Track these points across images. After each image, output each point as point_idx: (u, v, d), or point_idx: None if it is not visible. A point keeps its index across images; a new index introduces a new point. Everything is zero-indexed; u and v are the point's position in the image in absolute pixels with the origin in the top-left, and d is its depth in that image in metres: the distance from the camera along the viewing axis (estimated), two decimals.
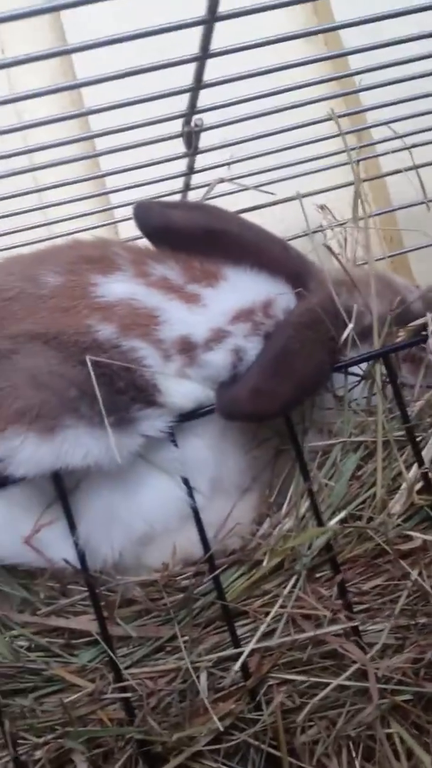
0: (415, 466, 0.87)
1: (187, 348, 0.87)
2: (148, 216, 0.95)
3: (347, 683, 0.83)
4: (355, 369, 0.92)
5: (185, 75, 0.87)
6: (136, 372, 0.84)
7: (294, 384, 0.86)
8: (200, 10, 0.74)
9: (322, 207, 1.34)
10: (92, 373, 0.80)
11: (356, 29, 0.99)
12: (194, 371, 0.87)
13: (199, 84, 0.82)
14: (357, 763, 0.85)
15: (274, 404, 0.85)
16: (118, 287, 0.89)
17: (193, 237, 0.93)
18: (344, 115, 1.12)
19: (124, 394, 0.83)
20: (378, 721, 0.84)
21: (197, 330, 0.88)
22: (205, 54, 0.76)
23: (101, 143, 1.14)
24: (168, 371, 0.86)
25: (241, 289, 0.91)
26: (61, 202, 1.21)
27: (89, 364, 0.80)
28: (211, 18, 0.70)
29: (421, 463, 0.87)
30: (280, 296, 0.91)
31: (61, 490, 0.84)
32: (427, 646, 0.85)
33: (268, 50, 0.88)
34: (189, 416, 0.86)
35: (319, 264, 1.01)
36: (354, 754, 0.85)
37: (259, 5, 0.75)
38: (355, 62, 1.30)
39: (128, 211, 1.25)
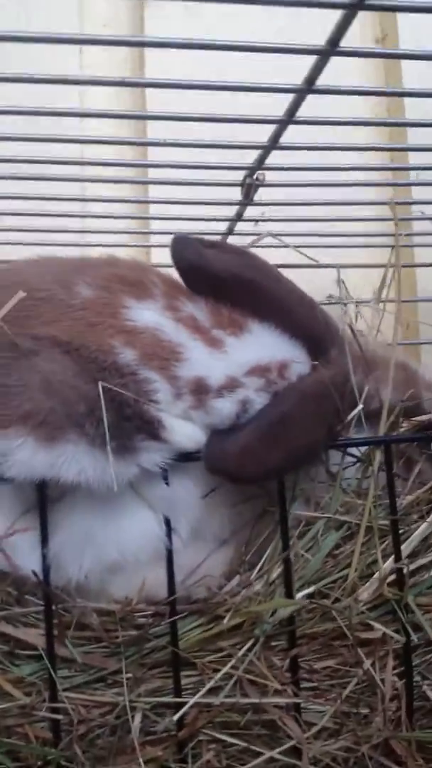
0: (392, 558, 0.88)
1: (200, 390, 0.87)
2: (185, 251, 0.95)
3: (278, 757, 0.83)
4: (353, 449, 0.93)
5: (244, 127, 0.89)
6: (144, 404, 0.84)
7: (284, 454, 0.86)
8: (295, 75, 0.76)
9: (341, 281, 1.37)
10: (102, 397, 0.81)
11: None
12: (198, 415, 0.88)
13: (274, 144, 0.84)
14: None
15: (260, 469, 0.85)
16: (147, 315, 0.90)
17: (223, 281, 0.93)
18: (399, 204, 1.14)
19: (130, 421, 0.83)
20: None
21: (214, 374, 0.88)
22: (289, 119, 0.78)
23: (156, 171, 1.17)
24: (175, 410, 0.86)
25: (263, 345, 0.92)
26: (103, 216, 1.23)
27: (100, 388, 0.81)
28: (307, 89, 0.72)
29: (398, 557, 0.88)
30: (298, 362, 0.92)
31: (42, 499, 0.84)
32: (363, 737, 0.85)
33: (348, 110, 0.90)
34: (188, 458, 0.86)
35: (344, 333, 1.02)
36: None
37: (351, 87, 0.77)
38: (414, 156, 1.35)
39: (165, 238, 1.29)
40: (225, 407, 0.88)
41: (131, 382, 0.84)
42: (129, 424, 0.83)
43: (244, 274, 0.94)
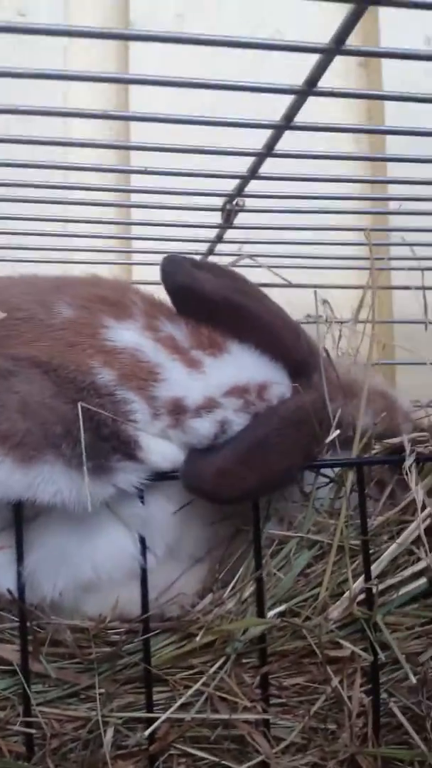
0: (362, 578, 0.90)
1: (177, 411, 0.89)
2: (175, 272, 0.96)
3: None
4: (327, 470, 0.95)
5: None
6: (122, 424, 0.86)
7: (260, 477, 0.88)
8: (275, 111, 0.78)
9: (325, 302, 1.39)
10: (81, 419, 0.82)
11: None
12: (176, 434, 0.89)
13: (253, 174, 0.86)
14: None
15: (235, 490, 0.87)
16: (126, 335, 0.91)
17: (213, 304, 0.95)
18: (375, 230, 1.17)
19: (106, 442, 0.85)
20: None
21: (192, 395, 0.90)
22: (268, 152, 0.81)
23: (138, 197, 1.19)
24: (152, 429, 0.88)
25: (242, 366, 0.94)
26: (85, 235, 1.24)
27: (79, 410, 0.82)
28: (285, 125, 0.74)
29: (368, 576, 0.90)
30: (278, 384, 0.94)
31: (18, 519, 0.85)
32: (330, 753, 0.87)
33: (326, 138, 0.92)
34: (163, 477, 0.88)
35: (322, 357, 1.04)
36: None
37: (327, 124, 0.80)
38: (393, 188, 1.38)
39: (145, 257, 1.31)
40: (203, 427, 0.89)
41: (109, 402, 0.86)
42: (106, 445, 0.85)
43: (233, 297, 0.95)
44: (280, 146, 0.82)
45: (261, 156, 0.82)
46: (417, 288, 1.32)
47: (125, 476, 0.86)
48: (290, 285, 1.29)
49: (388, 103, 1.44)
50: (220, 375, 0.92)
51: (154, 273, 1.12)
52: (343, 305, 1.42)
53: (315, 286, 1.21)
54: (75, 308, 0.92)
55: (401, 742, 0.91)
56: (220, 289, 0.95)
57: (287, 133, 0.81)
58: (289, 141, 0.84)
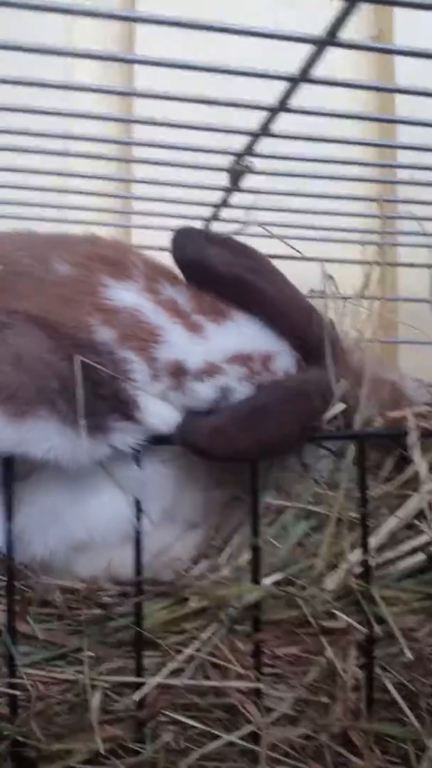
0: (359, 550, 0.88)
1: (178, 373, 0.87)
2: (186, 246, 0.94)
3: (237, 741, 0.83)
4: (328, 443, 0.94)
5: (234, 111, 0.88)
6: (121, 383, 0.84)
7: (255, 440, 0.86)
8: (289, 65, 0.76)
9: (329, 277, 1.37)
10: (78, 372, 0.80)
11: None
12: (177, 396, 0.88)
13: (265, 131, 0.84)
14: None
15: (228, 449, 0.85)
16: (126, 295, 0.89)
17: (223, 282, 0.93)
18: (386, 201, 1.15)
19: (104, 400, 0.83)
20: None
21: (193, 358, 0.88)
22: (281, 107, 0.78)
23: (141, 150, 1.15)
24: (152, 391, 0.86)
25: (246, 335, 0.92)
26: (84, 192, 1.21)
27: (76, 363, 0.80)
28: (301, 78, 0.72)
29: (366, 549, 0.88)
30: (283, 355, 0.92)
31: (8, 476, 0.83)
32: (321, 726, 0.85)
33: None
34: (161, 440, 0.86)
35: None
36: None
37: (348, 81, 0.77)
38: (403, 154, 1.35)
39: (147, 219, 1.28)
40: (203, 391, 0.88)
41: (108, 361, 0.84)
42: (103, 403, 0.83)
43: (244, 276, 0.93)
44: (295, 103, 0.79)
45: (274, 111, 0.79)
46: (424, 266, 1.31)
47: (122, 436, 0.84)
48: (297, 258, 1.27)
49: (398, 69, 1.41)
50: (222, 341, 0.90)
51: (154, 237, 1.10)
52: (347, 281, 1.41)
53: (322, 260, 1.18)
54: (73, 265, 0.90)
55: (394, 719, 0.89)
56: (232, 266, 0.93)
57: (301, 92, 0.78)
58: (303, 99, 0.81)
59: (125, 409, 0.84)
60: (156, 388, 0.87)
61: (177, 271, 0.97)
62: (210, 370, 0.88)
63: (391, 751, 0.88)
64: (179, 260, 0.94)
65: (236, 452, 0.86)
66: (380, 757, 0.87)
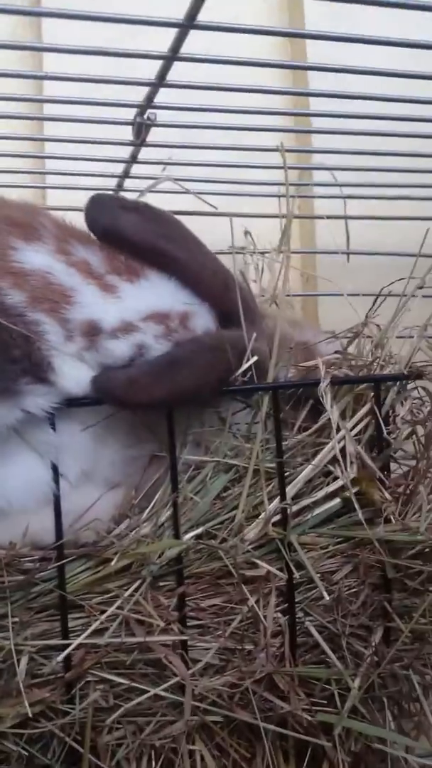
0: (277, 499, 0.90)
1: (92, 333, 0.86)
2: (100, 215, 0.92)
3: (164, 694, 0.84)
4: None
5: (142, 64, 0.87)
6: (34, 345, 0.82)
7: (169, 390, 0.86)
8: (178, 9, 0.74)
9: (246, 232, 1.36)
10: None
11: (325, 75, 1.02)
12: (92, 356, 0.86)
13: (161, 81, 0.82)
14: None
15: (144, 397, 0.85)
16: (36, 257, 0.87)
17: (138, 251, 0.91)
18: (293, 151, 1.14)
19: (16, 364, 0.81)
20: (184, 736, 0.86)
21: (107, 317, 0.87)
22: (174, 56, 0.77)
23: (51, 108, 1.13)
24: (66, 351, 0.85)
25: (161, 294, 0.91)
26: None
27: None
28: (189, 24, 0.70)
29: (283, 497, 0.90)
30: (201, 314, 0.92)
31: None
32: (247, 673, 0.87)
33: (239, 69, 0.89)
34: (77, 402, 0.85)
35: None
36: (153, 764, 0.86)
37: (237, 25, 0.76)
38: (314, 102, 1.34)
39: (61, 179, 1.25)
40: (118, 348, 0.87)
41: (20, 323, 0.82)
42: (14, 367, 0.81)
43: (159, 245, 0.92)
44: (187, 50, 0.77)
45: (168, 59, 0.77)
46: (339, 217, 1.31)
47: (34, 399, 0.83)
48: (212, 213, 1.26)
49: (308, 12, 1.39)
50: (137, 301, 0.89)
51: (69, 197, 1.08)
52: (265, 236, 1.40)
53: (234, 215, 1.17)
54: None
55: (318, 662, 0.92)
56: (147, 234, 0.91)
57: (196, 41, 0.77)
58: (197, 46, 0.80)
59: (38, 371, 0.83)
60: (70, 349, 0.85)
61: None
62: (126, 328, 0.87)
63: (316, 693, 0.90)
64: (93, 230, 0.92)
65: (151, 400, 0.86)
66: (306, 699, 0.89)
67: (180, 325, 0.90)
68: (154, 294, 0.91)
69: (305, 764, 0.92)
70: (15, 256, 0.86)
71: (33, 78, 0.97)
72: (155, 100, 0.88)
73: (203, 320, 0.92)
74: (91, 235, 0.94)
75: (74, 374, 0.85)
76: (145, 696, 0.84)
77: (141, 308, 0.89)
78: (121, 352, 0.87)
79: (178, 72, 0.85)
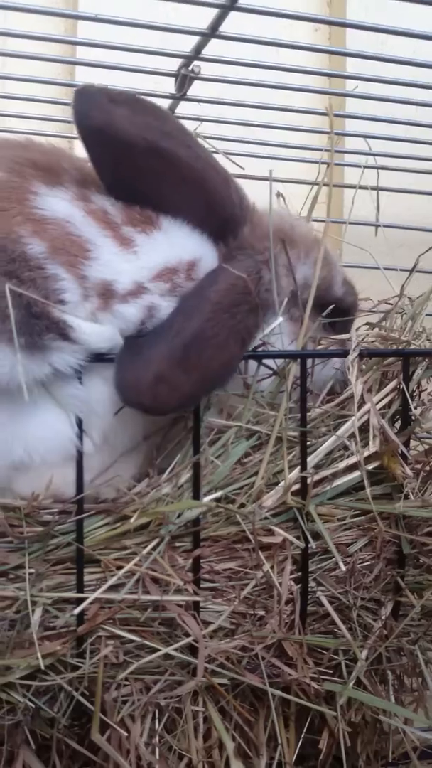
0: (297, 469, 0.89)
1: (106, 294, 0.84)
2: (90, 109, 0.82)
3: (174, 654, 0.85)
4: (270, 361, 0.93)
5: (182, 16, 0.83)
6: (49, 306, 0.80)
7: (199, 378, 0.83)
8: None
9: (279, 194, 1.34)
10: (8, 295, 0.76)
11: (363, 36, 0.99)
12: (105, 317, 0.84)
13: (214, 32, 0.79)
14: (157, 731, 0.87)
15: (173, 398, 0.82)
16: (57, 204, 0.84)
17: (133, 148, 0.83)
18: (338, 116, 1.12)
19: (39, 319, 0.79)
20: (189, 697, 0.87)
21: (122, 279, 0.84)
22: (231, 5, 0.74)
23: (86, 52, 1.09)
24: (82, 312, 0.83)
25: (173, 244, 0.88)
26: (23, 98, 1.14)
27: (7, 289, 0.76)
28: None
29: (304, 467, 0.89)
30: (207, 258, 0.89)
31: None
32: (257, 639, 0.87)
33: (283, 25, 0.87)
34: (101, 358, 0.84)
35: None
36: (157, 722, 0.87)
37: None
38: (353, 67, 1.31)
39: None
40: (130, 312, 0.85)
41: (39, 277, 0.80)
42: (38, 322, 0.79)
43: (160, 143, 0.84)
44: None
45: (224, 9, 0.74)
46: (372, 188, 1.29)
47: (61, 356, 0.81)
48: (242, 176, 1.23)
49: None
50: (151, 255, 0.86)
51: None
52: (294, 201, 1.38)
53: (270, 179, 1.15)
54: (3, 171, 0.84)
55: (327, 632, 0.93)
56: (145, 131, 0.83)
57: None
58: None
59: (58, 329, 0.80)
60: (86, 309, 0.83)
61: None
62: (137, 291, 0.85)
63: (324, 662, 0.91)
64: (84, 128, 0.83)
65: (183, 399, 0.83)
66: (313, 667, 0.90)
67: (186, 278, 0.88)
68: (167, 246, 0.88)
69: (304, 731, 0.93)
70: (36, 201, 0.83)
71: (67, 17, 0.93)
72: (203, 51, 0.85)
73: (208, 264, 0.90)
74: None
75: (95, 330, 0.83)
76: (156, 655, 0.84)
77: (153, 265, 0.86)
78: (132, 317, 0.85)
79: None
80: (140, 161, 0.84)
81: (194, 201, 0.88)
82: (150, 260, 0.86)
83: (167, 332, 0.84)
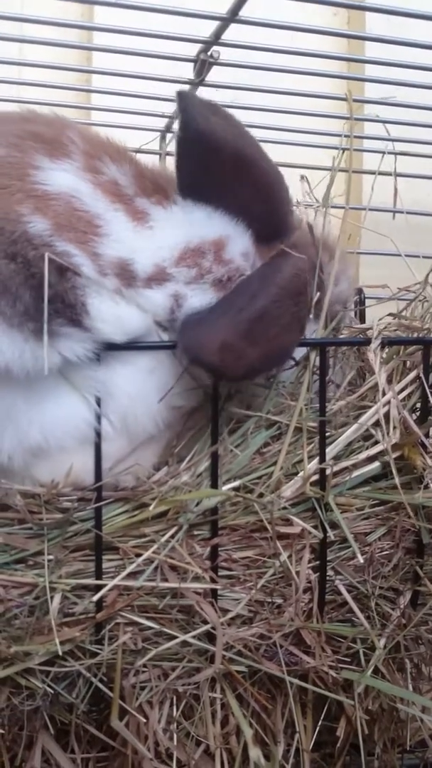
0: (317, 459, 0.89)
1: (126, 275, 0.81)
2: (194, 113, 0.84)
3: (192, 641, 0.85)
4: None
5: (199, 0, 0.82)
6: (68, 284, 0.77)
7: (264, 352, 0.81)
8: None
9: (303, 177, 1.33)
10: (45, 267, 0.73)
11: (384, 21, 0.98)
12: (132, 294, 0.82)
13: (234, 16, 0.78)
14: (175, 718, 0.87)
15: (239, 366, 0.80)
16: (61, 177, 0.81)
17: (223, 155, 0.85)
18: (357, 101, 1.10)
19: (49, 303, 0.76)
20: (207, 683, 0.87)
21: (140, 259, 0.82)
22: None
23: (103, 37, 1.08)
24: (104, 287, 0.79)
25: (192, 220, 0.86)
26: (40, 84, 1.12)
27: (46, 257, 0.73)
28: None
29: (323, 458, 0.89)
30: (235, 239, 0.87)
31: None
32: (274, 627, 0.88)
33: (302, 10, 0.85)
34: (117, 347, 0.82)
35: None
36: (175, 708, 0.87)
37: None
38: (371, 51, 1.30)
39: (105, 116, 1.21)
40: (157, 298, 0.83)
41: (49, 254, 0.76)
42: (48, 306, 0.76)
43: (245, 151, 0.86)
44: None
45: None
46: (391, 174, 1.27)
47: (69, 345, 0.78)
48: None
49: None
50: (168, 232, 0.84)
51: (114, 117, 1.03)
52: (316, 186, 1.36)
53: (289, 165, 1.14)
54: (3, 146, 0.81)
55: (344, 620, 0.93)
56: (233, 139, 0.86)
57: None
58: None
59: (72, 313, 0.78)
60: (107, 286, 0.80)
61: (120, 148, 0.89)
62: (160, 277, 0.83)
63: (342, 650, 0.91)
64: (189, 133, 0.84)
65: (246, 370, 0.81)
66: (331, 656, 0.90)
67: (214, 260, 0.85)
68: (186, 222, 0.86)
69: (321, 718, 0.94)
70: (38, 176, 0.80)
71: (85, 2, 0.92)
72: (222, 36, 0.84)
73: (238, 246, 0.88)
74: (121, 148, 0.89)
75: (116, 315, 0.81)
76: (174, 642, 0.84)
77: (173, 244, 0.84)
78: (161, 303, 0.83)
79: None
80: (227, 165, 0.86)
81: (261, 203, 0.89)
82: (169, 238, 0.84)
83: (229, 309, 0.82)
